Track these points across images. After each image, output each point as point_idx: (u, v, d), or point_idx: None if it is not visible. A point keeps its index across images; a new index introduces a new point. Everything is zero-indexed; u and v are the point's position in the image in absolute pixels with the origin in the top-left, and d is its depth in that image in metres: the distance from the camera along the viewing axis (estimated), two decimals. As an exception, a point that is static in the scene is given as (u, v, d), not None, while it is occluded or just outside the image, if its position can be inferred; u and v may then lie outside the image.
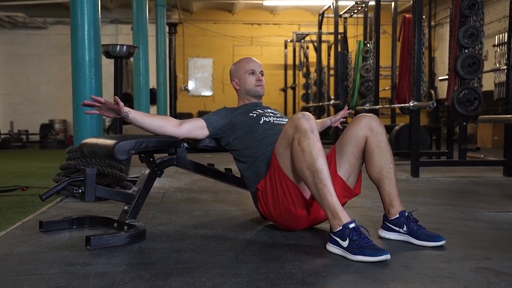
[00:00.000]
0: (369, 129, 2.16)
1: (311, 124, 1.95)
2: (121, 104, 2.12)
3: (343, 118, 2.83)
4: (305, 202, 2.10)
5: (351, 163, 2.21)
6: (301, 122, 1.95)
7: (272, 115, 2.45)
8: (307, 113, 2.02)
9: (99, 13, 3.62)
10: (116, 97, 2.14)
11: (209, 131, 2.37)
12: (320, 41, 9.95)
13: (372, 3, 7.67)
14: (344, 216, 1.88)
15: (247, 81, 2.49)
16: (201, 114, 12.38)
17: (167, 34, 10.93)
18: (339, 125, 2.85)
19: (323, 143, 2.00)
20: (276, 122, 2.41)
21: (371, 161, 2.16)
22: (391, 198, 2.14)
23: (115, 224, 2.27)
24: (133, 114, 2.19)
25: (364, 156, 2.19)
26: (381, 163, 2.14)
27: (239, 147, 2.37)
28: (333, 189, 1.90)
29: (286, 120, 2.47)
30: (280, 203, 2.13)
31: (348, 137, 2.20)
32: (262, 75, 2.52)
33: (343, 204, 2.08)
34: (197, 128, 2.36)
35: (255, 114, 2.42)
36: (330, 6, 8.61)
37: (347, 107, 2.89)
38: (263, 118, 2.39)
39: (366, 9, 8.29)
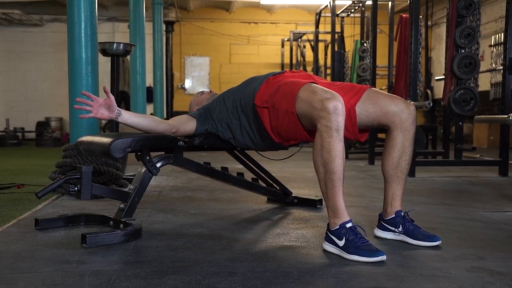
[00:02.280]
0: (400, 120, 2.06)
1: (339, 122, 1.85)
2: (112, 96, 2.10)
3: None
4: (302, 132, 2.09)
5: (362, 118, 2.11)
6: (331, 118, 1.85)
7: None
8: (341, 104, 1.87)
9: (96, 10, 3.61)
10: (105, 86, 2.12)
11: (195, 118, 2.38)
12: (317, 40, 9.94)
13: (369, 2, 7.67)
14: (344, 216, 1.88)
15: (203, 97, 2.66)
16: (197, 113, 12.35)
17: (164, 32, 10.91)
18: None
19: None
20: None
21: (391, 154, 2.10)
22: (394, 198, 2.14)
23: (111, 222, 2.27)
24: (125, 114, 2.18)
25: (385, 145, 2.13)
26: (400, 161, 2.10)
27: (226, 116, 2.35)
28: (342, 191, 1.89)
29: None
30: (284, 128, 2.13)
31: (379, 102, 2.08)
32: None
33: None
34: (185, 120, 2.37)
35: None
36: (327, 5, 8.61)
37: None
38: (227, 90, 2.48)
39: (363, 9, 8.29)
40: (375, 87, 2.20)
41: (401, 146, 2.09)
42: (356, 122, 2.10)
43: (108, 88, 2.11)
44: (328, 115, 1.85)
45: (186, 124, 2.36)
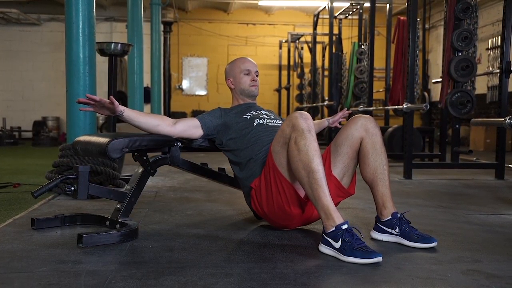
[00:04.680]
0: (364, 130, 2.17)
1: (308, 124, 1.96)
2: (116, 103, 2.11)
3: (342, 118, 2.80)
4: (299, 201, 2.10)
5: (346, 163, 2.22)
6: (299, 121, 1.96)
7: (266, 116, 2.44)
8: (305, 112, 2.03)
9: (94, 10, 3.61)
10: (111, 96, 2.13)
11: (203, 130, 2.36)
12: (314, 42, 9.97)
13: (367, 4, 7.69)
14: (337, 217, 1.88)
15: (242, 80, 2.49)
16: (195, 114, 12.38)
17: (161, 33, 10.92)
18: (338, 125, 2.79)
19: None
20: (270, 124, 2.40)
21: (366, 162, 2.17)
22: (384, 200, 2.15)
23: (108, 223, 2.27)
24: (128, 113, 2.19)
25: (359, 157, 2.21)
26: (376, 164, 2.15)
27: (232, 148, 2.37)
28: (328, 190, 1.90)
29: (280, 122, 2.47)
30: (274, 201, 2.14)
31: (343, 137, 2.21)
32: (257, 75, 2.52)
33: (336, 204, 2.09)
34: (191, 128, 2.35)
35: (249, 116, 2.41)
36: (325, 7, 8.63)
37: (346, 108, 2.87)
38: (257, 120, 2.38)
39: (361, 11, 8.32)
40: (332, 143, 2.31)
41: (371, 150, 2.16)
42: (341, 185, 2.22)
43: (114, 98, 2.11)
44: (296, 120, 1.97)
45: (191, 133, 2.36)
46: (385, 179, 2.15)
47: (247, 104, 2.52)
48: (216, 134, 2.40)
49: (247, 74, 2.49)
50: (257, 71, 2.53)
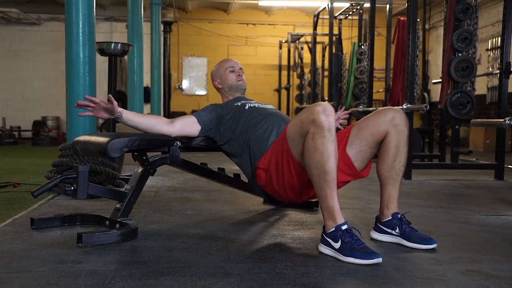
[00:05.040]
0: (393, 125, 2.09)
1: (329, 122, 1.87)
2: (115, 103, 2.11)
3: (342, 120, 2.79)
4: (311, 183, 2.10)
5: (362, 149, 2.16)
6: (320, 117, 1.87)
7: (256, 102, 2.55)
8: (329, 107, 1.91)
9: (94, 10, 3.61)
10: (110, 95, 2.13)
11: (201, 125, 2.40)
12: (314, 42, 9.97)
13: (367, 5, 7.69)
14: (339, 218, 1.88)
15: (228, 77, 2.61)
16: (194, 113, 12.34)
17: (161, 33, 10.92)
18: (339, 126, 2.79)
19: None
20: (261, 106, 2.49)
21: (385, 158, 2.12)
22: (390, 201, 2.14)
23: (107, 222, 2.26)
24: (126, 114, 2.19)
25: (380, 150, 2.15)
26: (394, 163, 2.11)
27: (231, 137, 2.39)
28: (336, 192, 1.89)
29: (272, 107, 2.57)
30: (285, 181, 2.15)
31: (369, 123, 2.13)
32: (242, 72, 2.64)
33: (344, 184, 2.12)
34: (189, 124, 2.38)
35: (240, 103, 2.51)
36: (325, 7, 8.63)
37: (343, 107, 2.86)
38: (248, 105, 2.48)
39: (361, 11, 8.31)
40: (358, 122, 2.25)
41: (395, 148, 2.11)
42: (352, 165, 2.16)
43: (112, 97, 2.12)
44: (318, 115, 1.87)
45: (188, 129, 2.38)
46: (397, 180, 2.13)
47: (237, 97, 2.62)
48: (213, 128, 2.42)
49: (232, 71, 2.62)
50: (241, 69, 2.65)
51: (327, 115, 1.87)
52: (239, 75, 2.62)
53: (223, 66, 2.65)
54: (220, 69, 2.65)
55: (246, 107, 2.45)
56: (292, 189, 2.18)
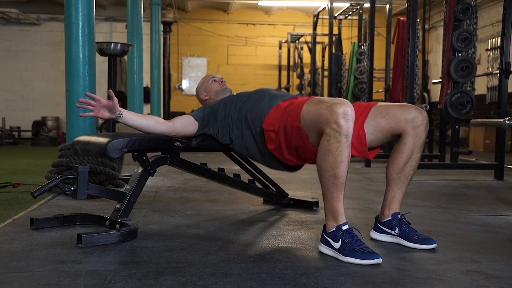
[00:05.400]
0: (413, 126, 2.05)
1: (348, 127, 1.83)
2: (115, 99, 2.11)
3: None
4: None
5: (375, 134, 2.11)
6: (340, 122, 1.82)
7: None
8: (350, 109, 1.84)
9: (94, 10, 3.61)
10: (110, 90, 2.13)
11: (198, 121, 2.39)
12: (314, 42, 9.97)
13: (366, 5, 7.69)
14: (341, 219, 1.89)
15: (213, 86, 2.64)
16: (194, 113, 12.34)
17: (161, 33, 10.91)
18: None
19: None
20: (248, 91, 2.49)
21: (397, 158, 2.10)
22: (393, 201, 2.14)
23: (107, 223, 2.26)
24: (126, 114, 2.19)
25: (394, 149, 2.12)
26: (405, 166, 2.10)
27: (228, 122, 2.37)
28: (343, 195, 1.89)
29: None
30: (292, 146, 2.12)
31: (390, 115, 2.08)
32: (223, 79, 2.68)
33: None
34: (187, 122, 2.38)
35: (228, 94, 2.56)
36: (325, 7, 8.63)
37: None
38: (236, 93, 2.52)
39: (360, 11, 8.31)
40: (382, 102, 2.19)
41: (409, 152, 2.08)
42: (365, 141, 2.09)
43: (112, 92, 2.12)
44: (338, 119, 1.82)
45: (187, 128, 2.37)
46: (405, 183, 2.12)
47: (225, 97, 2.62)
48: (210, 122, 2.40)
49: (214, 80, 2.65)
50: (223, 79, 2.70)
51: (346, 120, 1.82)
52: (222, 81, 2.66)
53: (205, 79, 2.70)
54: (203, 83, 2.68)
55: (234, 94, 2.50)
56: (302, 151, 2.11)
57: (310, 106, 2.00)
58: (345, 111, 1.83)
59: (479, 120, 3.74)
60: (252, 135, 2.30)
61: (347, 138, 1.83)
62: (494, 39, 9.60)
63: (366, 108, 2.13)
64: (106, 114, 2.16)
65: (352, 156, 2.02)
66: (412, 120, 2.05)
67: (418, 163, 2.14)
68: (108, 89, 3.90)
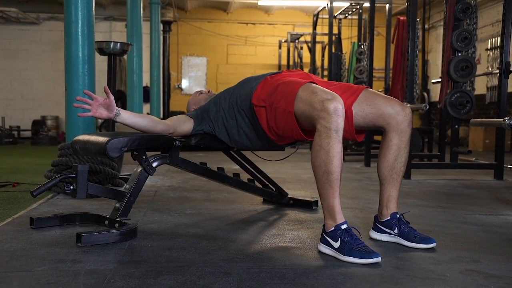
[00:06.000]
0: (396, 122, 2.07)
1: (338, 123, 1.85)
2: (112, 96, 2.10)
3: None
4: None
5: (358, 120, 2.12)
6: (332, 118, 1.85)
7: None
8: (340, 105, 1.87)
9: (93, 9, 3.61)
10: (106, 86, 2.13)
11: (193, 119, 2.39)
12: (314, 41, 9.96)
13: (366, 4, 7.69)
14: (339, 218, 1.89)
15: (200, 97, 2.69)
16: (194, 113, 12.35)
17: (161, 32, 10.91)
18: None
19: None
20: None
21: (386, 156, 2.11)
22: (389, 201, 2.14)
23: (106, 222, 2.26)
24: (124, 114, 2.18)
25: (381, 147, 2.14)
26: (395, 163, 2.11)
27: (221, 114, 2.36)
28: (338, 192, 1.89)
29: None
30: (280, 128, 2.13)
31: (376, 105, 2.09)
32: (211, 91, 2.75)
33: None
34: (182, 121, 2.37)
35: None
36: (324, 7, 8.62)
37: None
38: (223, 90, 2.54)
39: (360, 11, 8.31)
40: (371, 88, 2.20)
41: (396, 148, 2.10)
42: (352, 122, 2.11)
43: (108, 89, 2.11)
44: (328, 115, 1.85)
45: (183, 125, 2.36)
46: (398, 180, 2.13)
47: None
48: (205, 119, 2.40)
49: (201, 93, 2.72)
50: (210, 89, 2.76)
51: (337, 115, 1.85)
52: (209, 90, 2.71)
53: (193, 95, 2.75)
54: (192, 99, 2.72)
55: (222, 91, 2.51)
56: (290, 132, 2.12)
57: (304, 94, 2.00)
58: (335, 108, 1.86)
59: (478, 120, 3.74)
60: (246, 118, 2.28)
61: (338, 134, 1.86)
62: (494, 39, 9.60)
63: (356, 91, 2.14)
64: (104, 113, 2.14)
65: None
66: (394, 116, 2.07)
67: (407, 159, 2.15)
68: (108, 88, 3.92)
